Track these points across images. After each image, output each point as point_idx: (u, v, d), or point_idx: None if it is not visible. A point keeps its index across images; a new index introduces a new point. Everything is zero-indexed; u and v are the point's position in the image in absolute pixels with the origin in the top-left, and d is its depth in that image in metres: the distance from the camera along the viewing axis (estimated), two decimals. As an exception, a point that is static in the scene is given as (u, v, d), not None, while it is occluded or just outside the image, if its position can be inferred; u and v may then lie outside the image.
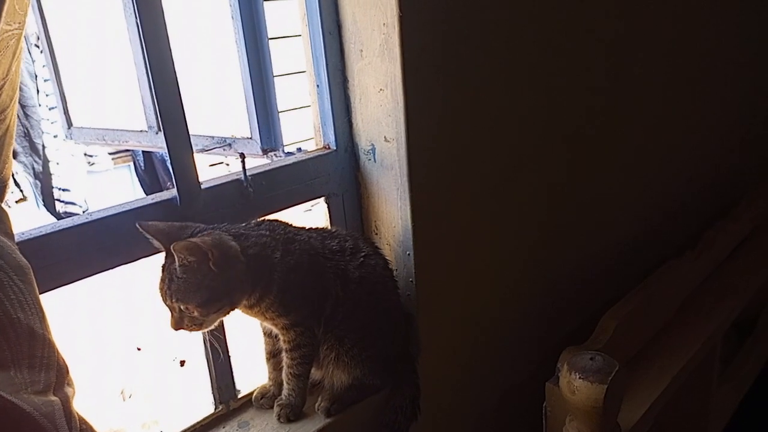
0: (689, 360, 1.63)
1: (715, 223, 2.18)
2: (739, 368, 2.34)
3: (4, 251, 0.68)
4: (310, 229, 1.10)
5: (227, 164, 4.63)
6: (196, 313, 0.93)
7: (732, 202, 2.40)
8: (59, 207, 3.85)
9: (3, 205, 0.71)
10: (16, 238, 0.72)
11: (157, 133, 1.86)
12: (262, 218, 1.07)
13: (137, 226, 0.92)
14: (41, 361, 0.67)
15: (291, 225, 1.07)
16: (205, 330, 0.98)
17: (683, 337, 1.71)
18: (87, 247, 0.92)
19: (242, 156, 1.09)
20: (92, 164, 4.41)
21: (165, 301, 0.94)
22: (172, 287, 0.93)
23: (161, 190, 1.00)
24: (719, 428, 2.12)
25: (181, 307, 0.93)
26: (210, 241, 0.91)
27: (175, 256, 0.90)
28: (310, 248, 1.05)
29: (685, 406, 1.88)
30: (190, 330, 0.96)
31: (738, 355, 2.40)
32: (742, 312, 2.02)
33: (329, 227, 1.20)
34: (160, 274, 0.95)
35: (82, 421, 0.70)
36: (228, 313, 0.98)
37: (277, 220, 1.07)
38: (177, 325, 0.95)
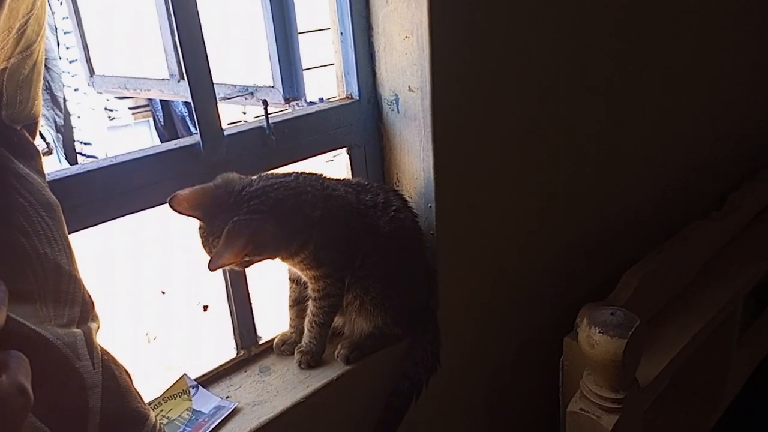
0: (709, 320, 1.62)
1: (741, 185, 2.15)
2: (758, 333, 2.33)
3: (34, 188, 0.68)
4: (345, 182, 1.10)
5: (245, 121, 4.62)
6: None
7: (759, 165, 2.35)
8: (81, 161, 3.88)
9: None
10: (43, 179, 0.73)
11: (179, 82, 1.86)
12: (300, 171, 1.06)
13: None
14: (66, 296, 0.68)
15: (328, 179, 1.07)
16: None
17: (705, 298, 1.70)
18: (111, 190, 0.92)
19: (265, 103, 1.08)
20: (113, 118, 4.42)
21: None
22: None
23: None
24: (734, 392, 2.12)
25: None
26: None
27: None
28: (347, 204, 1.05)
29: (703, 366, 1.88)
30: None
31: (757, 320, 2.39)
32: (765, 276, 1.99)
33: (361, 179, 1.18)
34: None
35: (104, 352, 0.71)
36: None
37: (314, 174, 1.06)
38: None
